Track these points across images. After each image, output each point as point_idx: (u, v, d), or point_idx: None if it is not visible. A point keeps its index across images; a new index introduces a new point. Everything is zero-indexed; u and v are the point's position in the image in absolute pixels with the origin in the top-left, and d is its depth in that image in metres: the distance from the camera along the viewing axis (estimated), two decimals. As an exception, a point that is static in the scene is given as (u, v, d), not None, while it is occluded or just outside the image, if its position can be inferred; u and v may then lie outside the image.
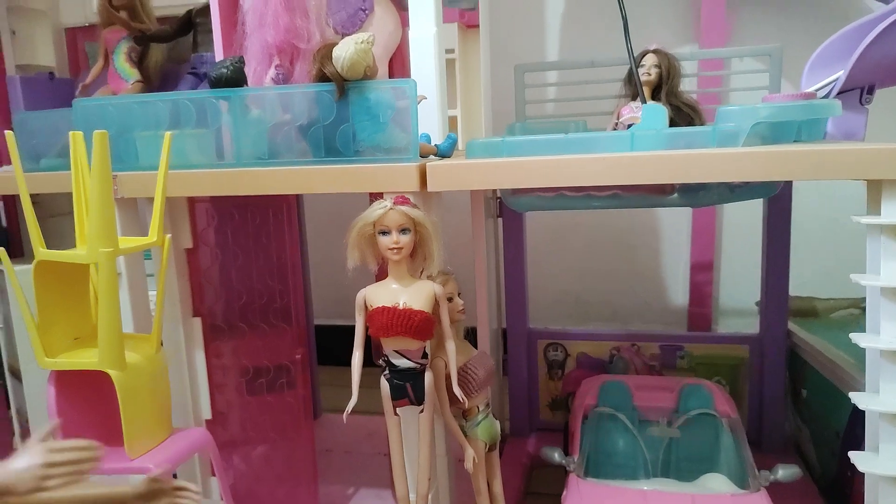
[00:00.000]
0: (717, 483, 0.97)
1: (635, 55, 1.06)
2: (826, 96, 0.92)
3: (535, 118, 1.35)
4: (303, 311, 1.10)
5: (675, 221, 1.76)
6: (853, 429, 1.05)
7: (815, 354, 1.21)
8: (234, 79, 0.90)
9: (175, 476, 1.10)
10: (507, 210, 1.36)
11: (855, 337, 0.75)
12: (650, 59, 1.07)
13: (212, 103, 0.92)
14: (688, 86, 1.24)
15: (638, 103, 1.07)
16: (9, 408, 1.38)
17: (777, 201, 1.23)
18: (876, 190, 0.73)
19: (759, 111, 0.80)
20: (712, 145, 0.81)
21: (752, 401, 1.33)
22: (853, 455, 0.76)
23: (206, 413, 1.11)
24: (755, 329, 1.33)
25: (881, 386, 0.74)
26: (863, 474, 0.77)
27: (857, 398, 0.75)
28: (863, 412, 0.77)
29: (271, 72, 1.02)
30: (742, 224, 1.72)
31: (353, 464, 1.37)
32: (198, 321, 1.08)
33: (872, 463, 0.75)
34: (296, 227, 1.08)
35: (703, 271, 1.73)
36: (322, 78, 0.87)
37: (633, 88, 1.10)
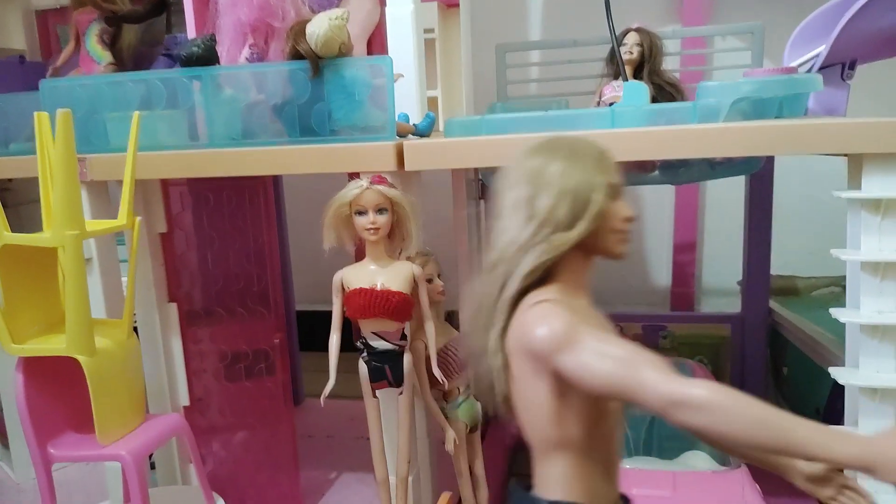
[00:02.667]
0: (698, 460, 0.97)
1: (617, 34, 1.05)
2: (808, 72, 0.91)
3: (517, 98, 1.34)
4: (281, 295, 1.09)
5: (658, 202, 1.75)
6: (833, 405, 1.06)
7: (795, 332, 1.21)
8: (206, 57, 0.88)
9: (152, 464, 1.09)
10: (489, 192, 1.34)
11: (835, 312, 0.75)
12: (632, 38, 1.06)
13: (183, 83, 0.90)
14: (670, 64, 1.23)
15: (620, 82, 1.06)
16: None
17: (759, 181, 1.23)
18: (856, 164, 0.73)
19: (740, 86, 0.79)
20: (693, 121, 0.80)
21: (733, 379, 1.34)
22: (833, 430, 0.76)
23: (184, 399, 1.09)
24: (737, 308, 1.34)
25: (860, 360, 0.74)
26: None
27: (836, 373, 0.75)
28: (843, 388, 0.78)
29: (245, 51, 0.99)
30: (725, 204, 1.71)
31: (336, 448, 1.37)
32: (173, 307, 1.06)
33: (852, 438, 0.74)
34: (273, 209, 1.06)
35: (685, 252, 1.73)
36: (296, 55, 0.84)
37: (615, 67, 1.09)
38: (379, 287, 0.79)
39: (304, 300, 1.67)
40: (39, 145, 0.77)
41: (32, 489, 1.24)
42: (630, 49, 1.06)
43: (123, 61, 1.15)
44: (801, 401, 1.22)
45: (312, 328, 1.50)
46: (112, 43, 1.14)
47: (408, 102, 1.00)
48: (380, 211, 0.78)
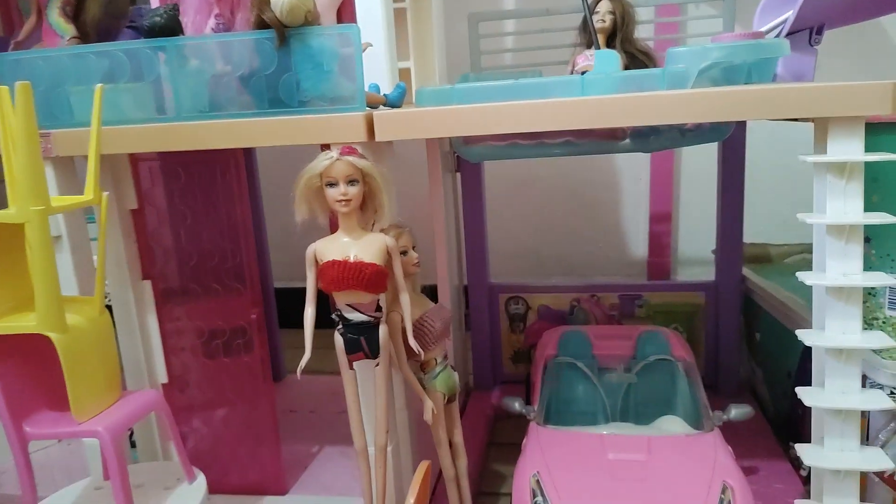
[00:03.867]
0: (672, 425, 0.99)
1: (590, 2, 1.04)
2: (776, 38, 0.92)
3: (491, 69, 1.33)
4: (256, 270, 1.08)
5: (634, 173, 1.76)
6: (804, 368, 1.08)
7: (768, 299, 1.23)
8: (169, 27, 0.86)
9: (133, 442, 1.09)
10: (465, 165, 1.34)
11: (801, 275, 0.76)
12: (604, 6, 1.06)
13: (147, 54, 0.88)
14: (644, 33, 1.22)
15: (593, 51, 1.05)
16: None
17: (730, 149, 1.24)
18: (822, 128, 0.73)
19: (708, 52, 0.79)
20: (662, 88, 0.80)
21: (708, 346, 1.36)
22: (801, 391, 0.78)
23: (163, 377, 1.09)
24: (711, 277, 1.35)
25: (826, 323, 0.76)
26: (811, 411, 0.79)
27: (803, 335, 0.77)
28: (812, 352, 0.79)
29: (211, 22, 0.97)
30: (700, 175, 1.73)
31: (317, 423, 1.37)
32: (148, 284, 1.06)
33: (819, 397, 0.76)
34: (245, 184, 1.05)
35: (661, 222, 1.74)
36: (261, 25, 0.83)
37: (588, 36, 1.08)
38: (352, 259, 0.79)
39: (283, 277, 1.66)
40: (0, 120, 0.75)
41: (12, 469, 1.24)
42: (602, 17, 1.05)
43: (87, 34, 1.12)
44: (773, 365, 1.24)
45: (291, 305, 1.51)
46: (75, 16, 1.11)
47: (378, 73, 0.99)
48: (350, 182, 0.77)
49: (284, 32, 0.82)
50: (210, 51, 0.87)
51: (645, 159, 1.72)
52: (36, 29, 1.14)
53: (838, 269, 0.74)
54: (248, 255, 1.06)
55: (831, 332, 0.75)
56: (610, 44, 1.06)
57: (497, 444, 1.30)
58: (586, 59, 1.07)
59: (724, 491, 0.81)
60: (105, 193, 0.81)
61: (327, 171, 0.77)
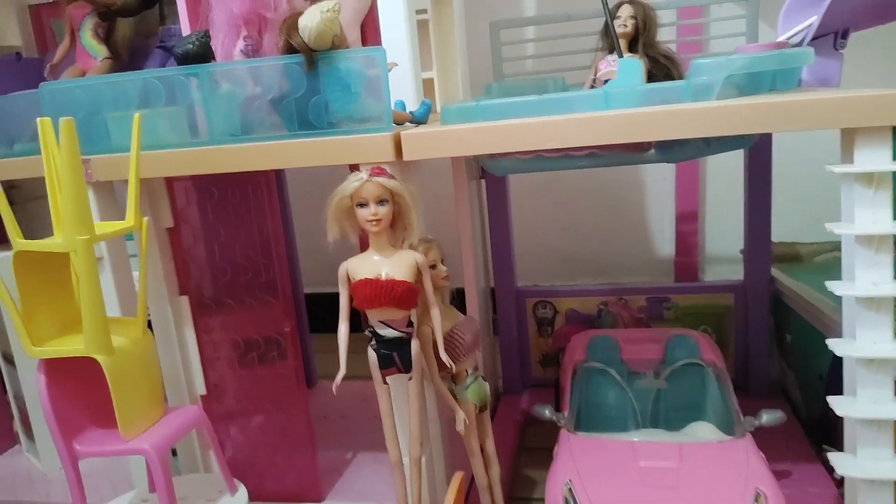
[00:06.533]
0: (703, 431, 0.99)
1: (610, 7, 1.04)
2: (801, 42, 0.91)
3: (513, 76, 1.34)
4: (288, 283, 1.11)
5: (659, 173, 1.75)
6: (836, 371, 1.07)
7: (798, 300, 1.23)
8: (201, 54, 0.88)
9: (175, 453, 1.13)
10: (488, 172, 1.35)
11: (831, 285, 0.76)
12: (626, 11, 1.06)
13: (180, 80, 0.91)
14: (665, 36, 1.22)
15: (615, 57, 1.06)
16: (6, 393, 1.39)
17: (758, 148, 1.23)
18: (849, 138, 0.73)
19: (731, 63, 0.79)
20: (687, 99, 0.80)
21: (737, 348, 1.35)
22: (832, 400, 0.78)
23: (201, 388, 1.12)
24: (740, 277, 1.35)
25: (857, 332, 0.75)
26: (844, 416, 0.79)
27: (834, 345, 0.77)
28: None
29: (240, 44, 0.99)
30: (726, 172, 1.71)
31: (351, 429, 1.40)
32: (185, 299, 1.09)
33: (850, 407, 0.76)
34: (276, 201, 1.07)
35: (688, 221, 1.73)
36: (290, 49, 0.85)
37: (609, 41, 1.08)
38: (384, 277, 0.80)
39: (312, 283, 1.69)
40: (45, 150, 0.78)
41: (59, 479, 1.29)
42: (624, 22, 1.05)
43: (119, 54, 1.16)
44: (804, 367, 1.23)
45: (321, 310, 1.53)
46: (107, 37, 1.15)
47: (403, 88, 1.01)
48: (380, 202, 0.79)
49: (313, 57, 0.84)
50: (241, 75, 0.89)
51: (670, 159, 1.71)
52: (70, 51, 1.18)
53: (868, 278, 0.74)
54: (280, 269, 1.09)
55: (862, 341, 0.75)
56: (632, 48, 1.07)
57: (528, 449, 1.31)
58: (608, 64, 1.07)
59: (756, 498, 0.82)
60: (145, 219, 0.84)
61: (357, 192, 0.79)
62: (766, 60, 0.78)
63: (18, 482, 1.30)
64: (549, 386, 1.39)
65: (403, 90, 0.99)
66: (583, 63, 1.16)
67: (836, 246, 1.38)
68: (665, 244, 1.80)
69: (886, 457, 0.75)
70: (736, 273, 1.39)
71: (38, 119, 0.79)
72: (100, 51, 1.15)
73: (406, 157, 0.84)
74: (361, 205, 0.79)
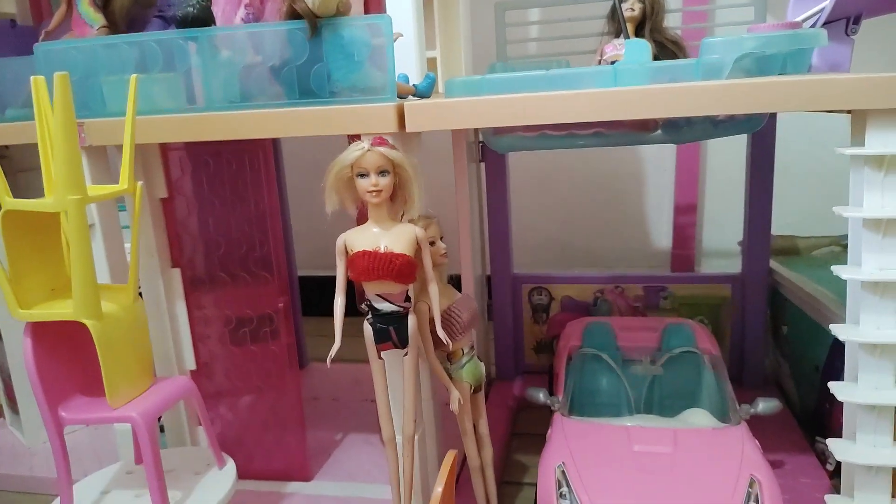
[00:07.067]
0: (698, 417, 0.99)
1: (619, -10, 1.03)
2: (812, 27, 0.90)
3: (517, 58, 1.32)
4: (283, 259, 1.09)
5: (659, 164, 1.75)
6: (833, 362, 1.07)
7: (795, 292, 1.22)
8: (201, 18, 0.86)
9: (162, 429, 1.11)
10: (489, 154, 1.34)
11: (836, 269, 0.75)
12: (634, -5, 1.05)
13: (179, 45, 0.89)
14: (672, 22, 1.21)
15: (621, 40, 1.04)
16: (-9, 364, 1.37)
17: (761, 140, 1.22)
18: (860, 121, 0.72)
19: (744, 42, 0.78)
20: (697, 78, 0.79)
21: (733, 338, 1.35)
22: (833, 385, 0.77)
23: (191, 364, 1.10)
24: (737, 269, 1.34)
25: (861, 317, 0.75)
26: (840, 405, 0.78)
27: (837, 329, 0.76)
28: (842, 346, 0.78)
29: (241, 12, 0.98)
30: (725, 166, 1.71)
31: (341, 410, 1.39)
32: (177, 272, 1.07)
33: (852, 392, 0.76)
34: (273, 173, 1.05)
35: (686, 213, 1.73)
36: (293, 15, 0.83)
37: (616, 25, 1.07)
38: (382, 249, 0.79)
39: (306, 266, 1.67)
40: (37, 110, 0.76)
41: (43, 451, 1.27)
42: (631, 6, 1.04)
43: (116, 23, 1.13)
44: (800, 359, 1.23)
45: (314, 293, 1.52)
46: (104, 5, 1.12)
47: (407, 63, 0.99)
48: (381, 173, 0.78)
49: (316, 23, 0.82)
50: (241, 41, 0.87)
51: (671, 149, 1.70)
52: (66, 18, 1.16)
53: (874, 263, 0.73)
54: (275, 244, 1.07)
55: (866, 326, 0.74)
56: (639, 33, 1.05)
57: (519, 435, 1.31)
58: (615, 48, 1.06)
59: (751, 485, 0.81)
60: (139, 183, 0.82)
61: (359, 161, 0.77)
62: (779, 40, 0.77)
63: (2, 456, 1.28)
64: (543, 373, 1.38)
65: (408, 64, 0.97)
66: (587, 48, 1.15)
67: (834, 240, 1.38)
68: (662, 236, 1.79)
69: (886, 443, 0.75)
70: (731, 267, 1.39)
71: (32, 77, 0.77)
72: (97, 19, 1.12)
73: (409, 128, 0.82)
74: (362, 175, 0.78)
